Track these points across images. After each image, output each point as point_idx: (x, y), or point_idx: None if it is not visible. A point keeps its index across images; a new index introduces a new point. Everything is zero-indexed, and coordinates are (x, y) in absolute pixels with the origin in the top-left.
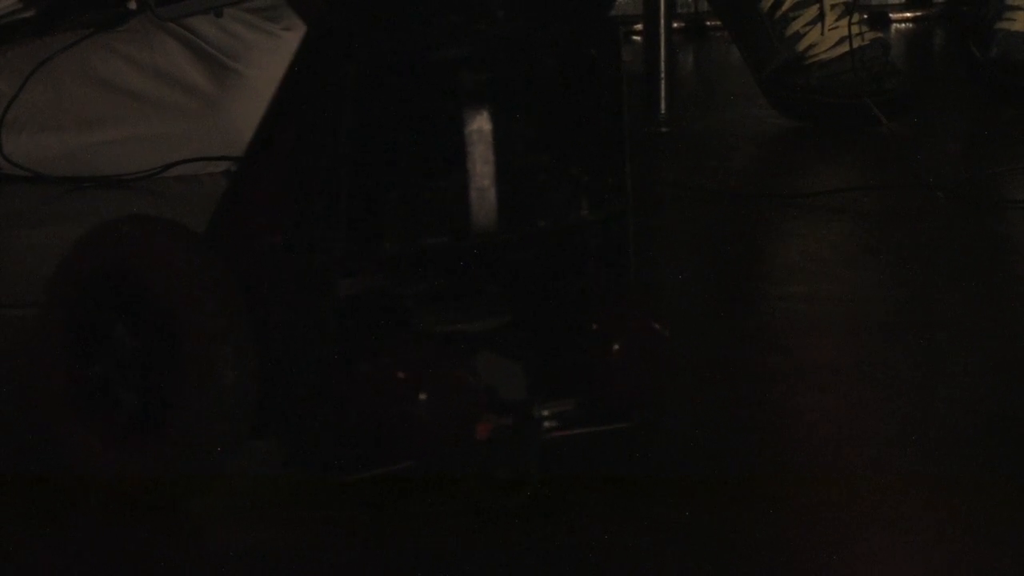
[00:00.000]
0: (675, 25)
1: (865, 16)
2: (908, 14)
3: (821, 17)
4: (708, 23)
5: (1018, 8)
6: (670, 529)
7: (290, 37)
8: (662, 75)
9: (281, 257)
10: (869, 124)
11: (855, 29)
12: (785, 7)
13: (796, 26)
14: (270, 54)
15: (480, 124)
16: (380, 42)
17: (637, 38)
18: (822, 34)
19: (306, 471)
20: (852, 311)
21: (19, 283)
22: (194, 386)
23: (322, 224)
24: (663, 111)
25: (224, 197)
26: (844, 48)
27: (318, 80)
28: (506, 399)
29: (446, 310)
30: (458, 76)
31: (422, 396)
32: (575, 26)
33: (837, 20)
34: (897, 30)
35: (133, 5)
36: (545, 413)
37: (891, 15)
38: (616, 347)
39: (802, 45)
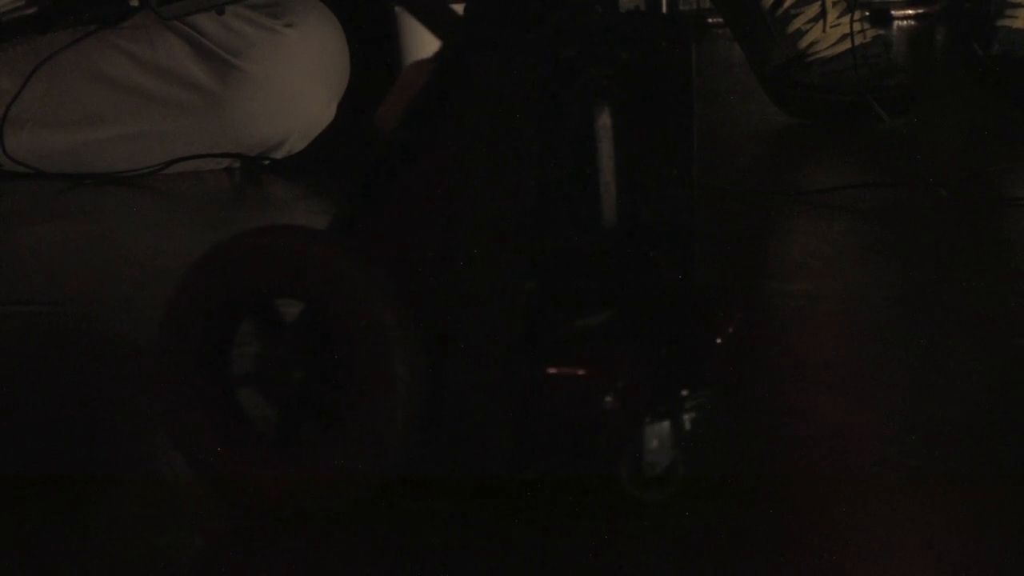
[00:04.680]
0: None
1: (867, 13)
2: (910, 11)
3: (823, 14)
4: (710, 20)
5: (1020, 5)
6: (670, 528)
7: (292, 34)
8: None
9: (444, 260)
10: (871, 121)
11: (857, 26)
12: (787, 4)
13: (798, 23)
14: (272, 51)
15: (603, 120)
16: (518, 44)
17: None
18: (824, 31)
19: (481, 471)
20: (853, 308)
21: (21, 280)
22: (371, 390)
23: (497, 228)
24: None
25: (349, 205)
26: (846, 45)
27: (480, 89)
28: (658, 395)
29: (591, 308)
30: (584, 73)
31: (608, 397)
32: (651, 21)
33: (839, 17)
34: (899, 27)
35: (135, 2)
36: (687, 406)
37: (893, 12)
38: (724, 338)
39: (804, 42)
